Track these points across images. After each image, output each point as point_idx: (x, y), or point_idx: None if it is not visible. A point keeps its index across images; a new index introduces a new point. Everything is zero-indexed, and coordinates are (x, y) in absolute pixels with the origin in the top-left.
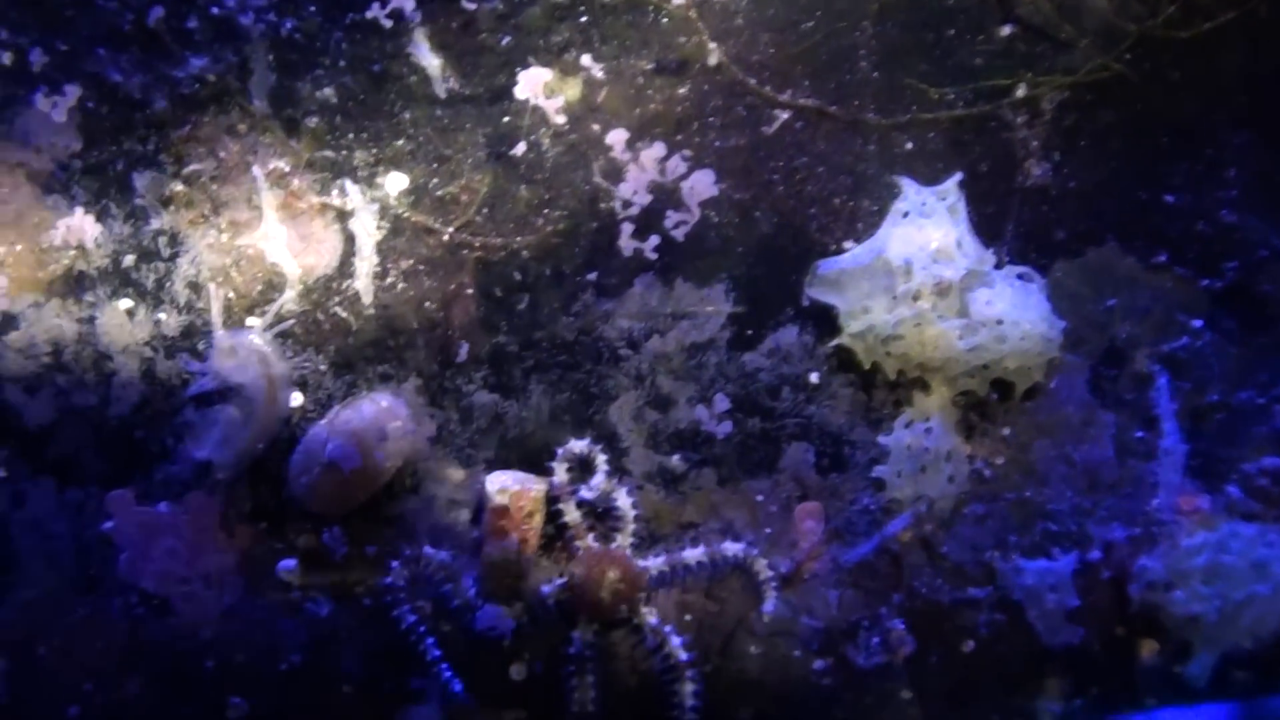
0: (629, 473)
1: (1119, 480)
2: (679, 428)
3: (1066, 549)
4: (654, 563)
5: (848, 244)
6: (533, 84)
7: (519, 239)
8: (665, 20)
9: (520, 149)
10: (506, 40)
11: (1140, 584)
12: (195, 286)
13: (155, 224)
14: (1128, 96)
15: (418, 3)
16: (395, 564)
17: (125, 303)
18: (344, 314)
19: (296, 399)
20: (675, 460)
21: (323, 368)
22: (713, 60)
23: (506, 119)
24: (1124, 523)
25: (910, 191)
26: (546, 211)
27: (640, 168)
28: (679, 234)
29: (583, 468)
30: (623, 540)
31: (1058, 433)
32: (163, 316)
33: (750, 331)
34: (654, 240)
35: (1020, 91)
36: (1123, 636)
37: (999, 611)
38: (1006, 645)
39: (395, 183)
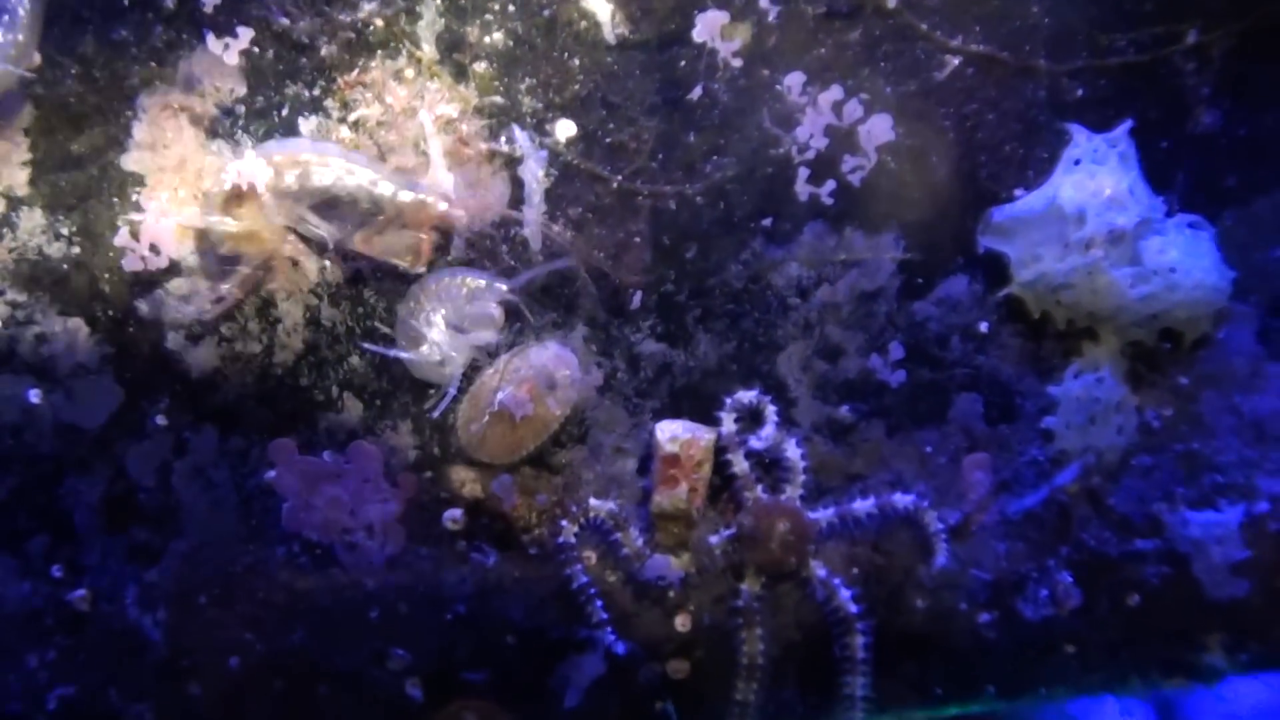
0: (797, 423)
1: None
2: (848, 377)
3: (1233, 501)
4: (823, 515)
5: (1019, 191)
6: (710, 27)
7: (690, 186)
8: None
9: (696, 93)
10: None
11: None
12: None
13: None
14: None
15: None
16: (564, 522)
17: (292, 248)
18: (512, 261)
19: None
20: (844, 411)
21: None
22: (888, 4)
23: (682, 64)
24: None
25: (1081, 138)
26: (717, 158)
27: (817, 111)
28: (855, 179)
29: (751, 418)
30: (791, 491)
31: (1225, 383)
32: (328, 264)
33: (920, 280)
34: (830, 185)
35: (1191, 38)
36: None
37: (1165, 564)
38: (1172, 598)
39: (564, 129)
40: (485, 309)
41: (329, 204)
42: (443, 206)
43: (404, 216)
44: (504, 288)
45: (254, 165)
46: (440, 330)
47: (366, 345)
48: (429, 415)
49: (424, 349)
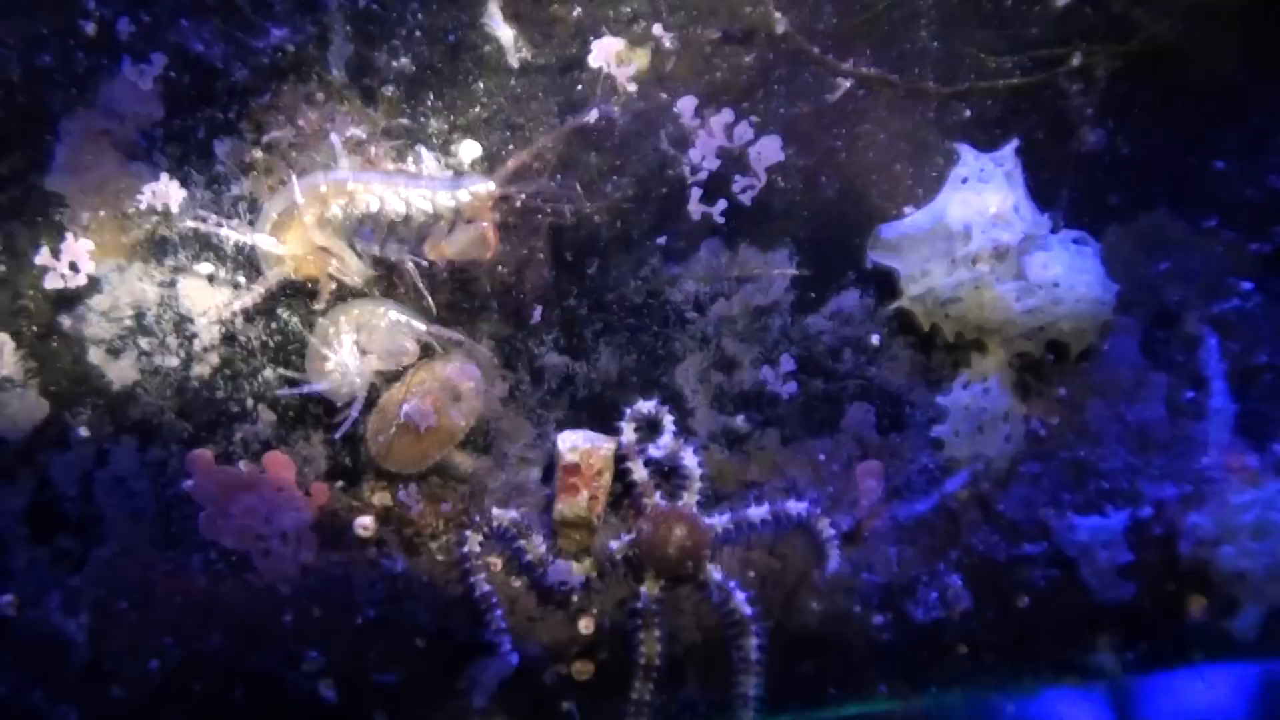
0: (695, 433)
1: (1170, 439)
2: (743, 389)
3: (1119, 506)
4: (719, 520)
5: (908, 209)
6: (606, 53)
7: (590, 204)
8: None
9: (592, 116)
10: (577, 11)
11: (1190, 540)
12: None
13: (235, 190)
14: (1179, 64)
15: None
16: (467, 532)
17: (206, 267)
18: (419, 277)
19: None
20: (739, 420)
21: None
22: (779, 29)
23: (579, 87)
24: (1174, 481)
25: (969, 158)
26: (616, 178)
27: (709, 133)
28: (746, 198)
29: (650, 428)
30: (689, 498)
31: (1111, 393)
32: (242, 280)
33: (813, 294)
34: (721, 205)
35: (1075, 60)
36: (1172, 592)
37: (1053, 567)
38: (1060, 601)
39: (469, 150)
40: (401, 343)
41: (381, 226)
42: (492, 187)
43: (462, 214)
44: (423, 329)
45: (299, 194)
46: (349, 352)
47: (281, 391)
48: (332, 436)
49: (331, 375)
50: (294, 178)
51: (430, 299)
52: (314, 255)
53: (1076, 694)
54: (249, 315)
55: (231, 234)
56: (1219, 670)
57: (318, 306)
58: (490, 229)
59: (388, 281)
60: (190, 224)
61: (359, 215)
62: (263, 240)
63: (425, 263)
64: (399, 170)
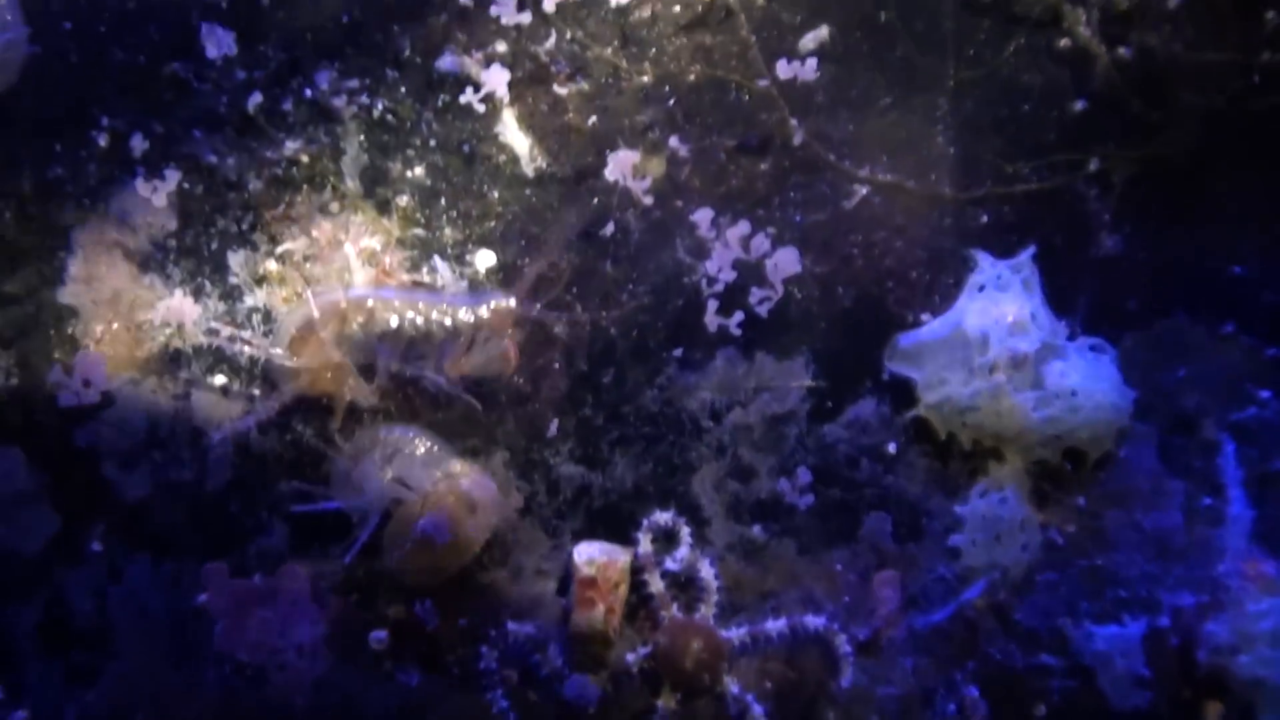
0: (711, 543)
1: (1187, 546)
2: (760, 498)
3: (1136, 615)
4: (736, 633)
5: (925, 317)
6: (622, 166)
7: (605, 314)
8: (747, 99)
9: (608, 229)
10: (593, 120)
11: (1207, 648)
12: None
13: (249, 301)
14: (1197, 170)
15: (508, 86)
16: (484, 648)
17: (220, 379)
18: (434, 391)
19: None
20: (756, 531)
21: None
22: (795, 138)
23: (594, 199)
24: (1192, 589)
25: (985, 265)
26: (632, 287)
27: (725, 245)
28: (763, 310)
29: (667, 539)
30: (706, 610)
31: (1128, 500)
32: (257, 393)
33: (829, 404)
34: (738, 316)
35: (1093, 165)
36: (1189, 700)
37: (1070, 677)
38: (1077, 710)
39: (484, 260)
40: (433, 474)
41: (400, 343)
42: (512, 304)
43: (483, 330)
44: (457, 466)
45: (316, 309)
46: (372, 472)
47: (296, 507)
48: (342, 560)
49: (348, 493)
50: (310, 293)
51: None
52: (331, 372)
53: None
54: (263, 429)
55: (247, 348)
56: None
57: (334, 425)
58: (511, 346)
59: (403, 398)
60: (206, 337)
61: (378, 332)
62: (279, 355)
63: (443, 380)
64: (418, 286)
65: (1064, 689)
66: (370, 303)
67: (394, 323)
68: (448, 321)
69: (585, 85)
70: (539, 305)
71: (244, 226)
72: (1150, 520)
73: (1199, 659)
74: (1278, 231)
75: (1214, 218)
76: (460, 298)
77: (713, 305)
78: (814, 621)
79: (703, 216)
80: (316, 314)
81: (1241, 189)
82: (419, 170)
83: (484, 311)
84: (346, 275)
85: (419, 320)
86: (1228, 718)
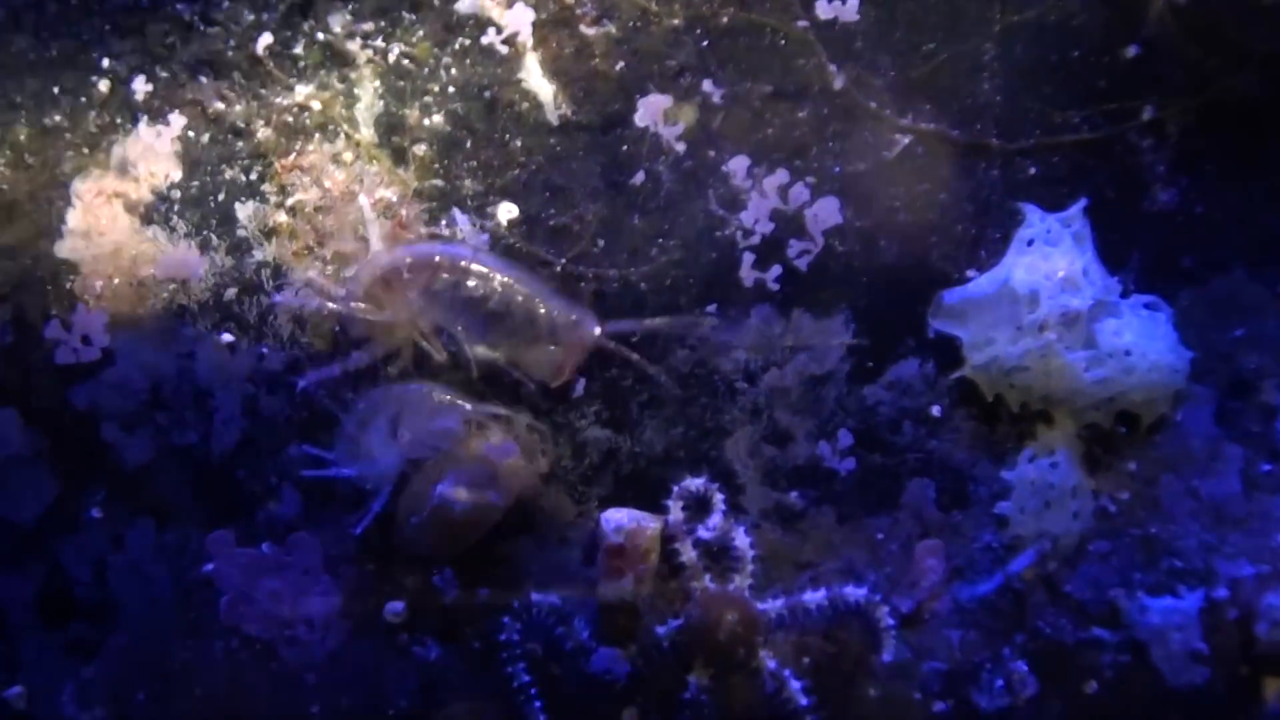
0: (745, 511)
1: (1246, 515)
2: (797, 463)
3: (1192, 586)
4: (773, 605)
5: (971, 272)
6: (653, 111)
7: (634, 270)
8: (784, 43)
9: (637, 178)
10: (621, 65)
11: (1267, 622)
12: (299, 320)
13: (258, 255)
14: (1256, 119)
15: (532, 27)
16: (506, 619)
17: (227, 337)
18: (452, 348)
19: None
20: (793, 497)
21: None
22: (835, 84)
23: (623, 147)
24: (1251, 559)
25: (1035, 218)
26: (662, 241)
27: (762, 195)
28: (802, 264)
29: (699, 506)
30: (740, 581)
31: (1184, 466)
32: (265, 351)
33: (871, 364)
34: (776, 270)
35: (1146, 114)
36: (1248, 676)
37: (1123, 652)
38: (1130, 686)
39: (506, 213)
40: (445, 423)
41: (480, 314)
42: (595, 332)
43: (555, 336)
44: (469, 408)
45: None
46: (382, 437)
47: (306, 472)
48: (353, 530)
49: (360, 460)
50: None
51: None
52: (409, 324)
53: None
54: (272, 387)
55: (329, 304)
56: None
57: (391, 370)
58: (571, 366)
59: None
60: (282, 302)
61: (463, 297)
62: (360, 309)
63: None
64: (514, 264)
65: (1116, 664)
66: (464, 263)
67: (482, 292)
68: (536, 311)
69: (613, 27)
70: (618, 346)
71: (252, 176)
72: (1207, 487)
73: (1259, 633)
74: None
75: (1275, 169)
76: (552, 295)
77: (748, 259)
78: (854, 593)
79: (738, 165)
80: (409, 261)
81: None
82: (437, 118)
83: (566, 321)
84: (360, 228)
85: (507, 298)
86: None
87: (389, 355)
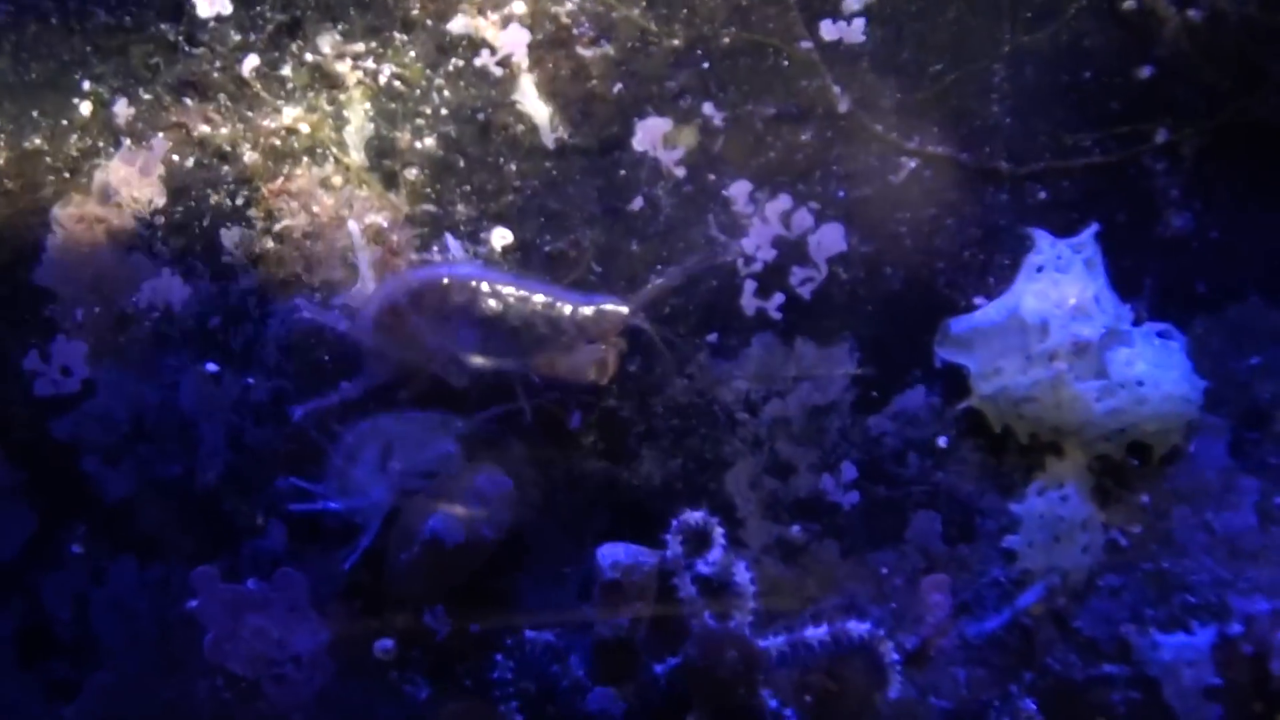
0: (746, 545)
1: (1261, 549)
2: (799, 496)
3: (1205, 622)
4: (774, 643)
5: (979, 300)
6: (651, 135)
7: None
8: (787, 64)
9: (636, 203)
10: (619, 87)
11: None
12: (286, 349)
13: (244, 283)
14: (1272, 142)
15: (527, 49)
16: (499, 657)
17: (211, 367)
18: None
19: None
20: (795, 531)
21: None
22: (840, 106)
23: (620, 171)
24: (1266, 594)
25: (1045, 244)
26: (661, 268)
27: (764, 221)
28: (805, 291)
29: (698, 540)
30: (741, 618)
31: (1197, 499)
32: (251, 381)
33: (875, 394)
34: (778, 299)
35: (1160, 137)
36: (1262, 714)
37: (1134, 689)
38: None
39: (501, 238)
40: (444, 447)
41: (500, 331)
42: (624, 311)
43: (586, 332)
44: (461, 425)
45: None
46: (371, 469)
47: (294, 505)
48: (341, 566)
49: (349, 494)
50: (408, 269)
51: (528, 411)
52: (419, 351)
53: None
54: (258, 418)
55: (337, 326)
56: None
57: (403, 394)
58: (613, 355)
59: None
60: (303, 314)
61: (478, 316)
62: (366, 335)
63: (536, 378)
64: (524, 275)
65: (1128, 701)
66: (474, 283)
67: (497, 308)
68: (552, 316)
69: (611, 48)
70: (650, 320)
71: (238, 201)
72: (1221, 520)
73: (1274, 670)
74: None
75: None
76: (570, 294)
77: (750, 287)
78: (857, 628)
79: (739, 190)
80: (413, 288)
81: None
82: (429, 141)
83: (591, 313)
84: (350, 255)
85: (524, 309)
86: None
87: (402, 383)
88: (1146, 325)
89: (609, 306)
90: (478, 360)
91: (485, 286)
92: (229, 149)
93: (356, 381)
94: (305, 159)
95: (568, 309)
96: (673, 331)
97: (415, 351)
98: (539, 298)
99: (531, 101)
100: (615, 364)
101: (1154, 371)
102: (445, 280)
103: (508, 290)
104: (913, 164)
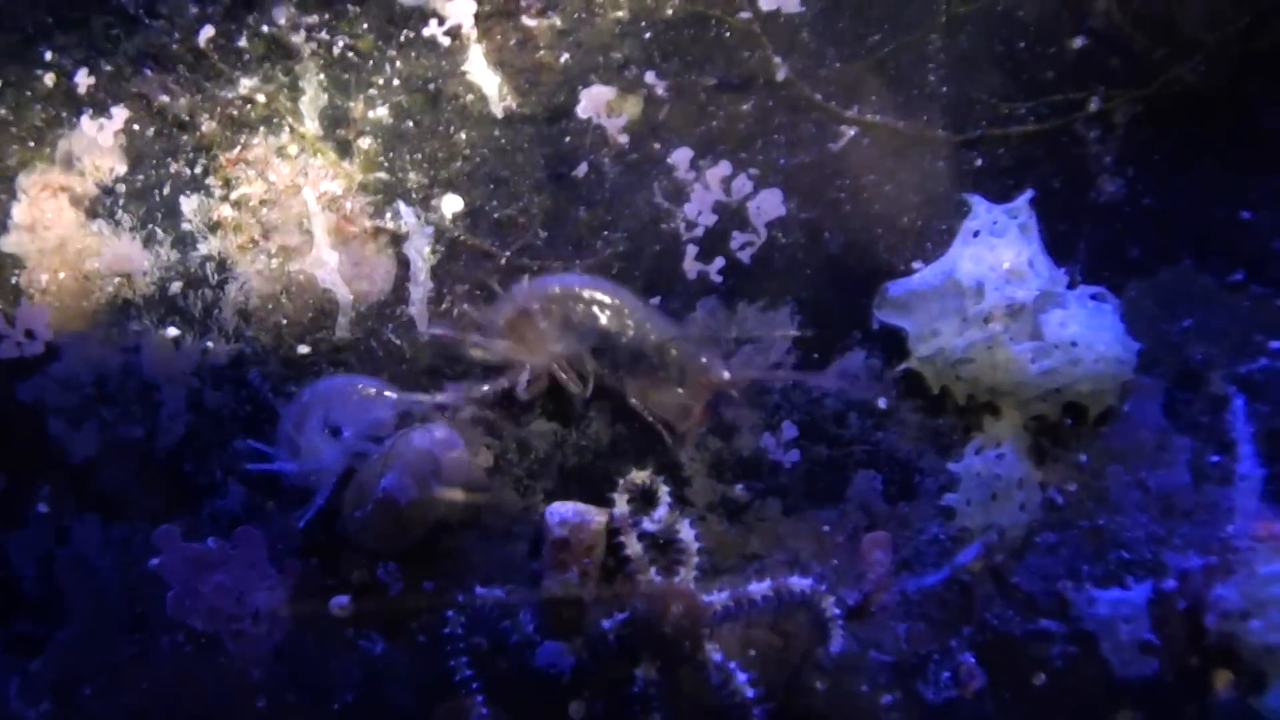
0: (691, 503)
1: (1194, 506)
2: (742, 456)
3: (1140, 578)
4: (718, 597)
5: (916, 264)
6: (595, 103)
7: (579, 262)
8: (728, 34)
9: (581, 170)
10: (565, 57)
11: (1216, 613)
12: (244, 314)
13: (203, 249)
14: (1203, 110)
15: (475, 19)
16: (450, 613)
17: (172, 331)
18: (398, 341)
19: None
20: (739, 490)
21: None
22: (778, 75)
23: (566, 139)
24: (1200, 550)
25: (981, 209)
26: (606, 234)
27: (705, 187)
28: (745, 255)
29: (644, 499)
30: (686, 574)
31: (1131, 458)
32: (210, 345)
33: (816, 355)
34: (719, 263)
35: (1093, 105)
36: (1197, 668)
37: (1071, 643)
38: (1079, 678)
39: (451, 205)
40: (373, 416)
41: (613, 348)
42: (725, 375)
43: (685, 377)
44: (395, 397)
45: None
46: (318, 433)
47: (251, 465)
48: (296, 525)
49: (301, 457)
50: (528, 281)
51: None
52: (548, 359)
53: None
54: (217, 381)
55: (476, 350)
56: None
57: (524, 397)
58: (699, 408)
59: (366, 349)
60: (431, 332)
61: (599, 330)
62: (502, 347)
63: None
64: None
65: (1065, 655)
66: (586, 293)
67: (614, 326)
68: (669, 353)
69: (557, 19)
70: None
71: (197, 170)
72: (1155, 478)
73: (1208, 624)
74: None
75: (1222, 160)
76: (675, 329)
77: (692, 251)
78: (799, 583)
79: (681, 157)
80: (536, 304)
81: (1250, 129)
82: (381, 110)
83: (696, 364)
84: (305, 221)
85: (638, 335)
86: (1238, 687)
87: (527, 385)
88: (1081, 289)
89: (713, 365)
90: (590, 369)
91: (611, 302)
92: (187, 119)
93: (486, 382)
94: (261, 129)
95: (678, 350)
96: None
97: (540, 355)
98: (657, 329)
99: (480, 71)
100: (699, 417)
101: (1087, 333)
102: (577, 290)
103: (629, 313)
104: (852, 132)
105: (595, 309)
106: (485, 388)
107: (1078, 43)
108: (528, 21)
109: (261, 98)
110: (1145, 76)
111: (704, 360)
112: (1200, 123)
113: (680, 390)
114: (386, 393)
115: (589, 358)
